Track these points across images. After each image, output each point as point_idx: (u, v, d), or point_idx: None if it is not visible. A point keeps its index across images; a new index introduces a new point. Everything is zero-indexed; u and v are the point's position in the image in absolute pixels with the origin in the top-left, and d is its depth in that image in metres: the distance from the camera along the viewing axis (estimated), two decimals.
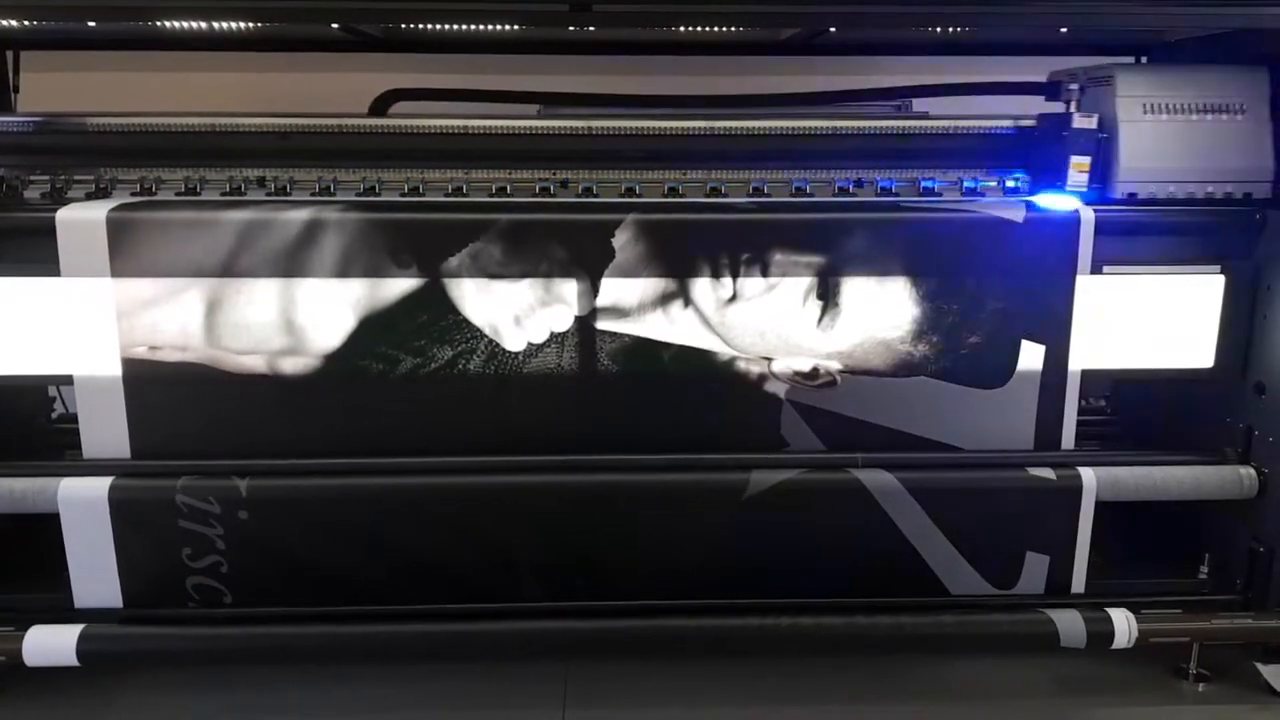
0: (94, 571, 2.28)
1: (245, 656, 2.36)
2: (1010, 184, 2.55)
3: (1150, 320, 2.41)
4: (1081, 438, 2.45)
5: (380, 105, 2.86)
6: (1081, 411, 2.43)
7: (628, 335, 2.31)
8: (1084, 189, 2.37)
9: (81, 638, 2.22)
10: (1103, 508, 2.39)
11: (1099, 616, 2.35)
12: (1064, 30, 2.43)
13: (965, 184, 2.55)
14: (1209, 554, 2.54)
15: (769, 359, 2.34)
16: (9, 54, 2.78)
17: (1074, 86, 2.44)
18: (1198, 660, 2.44)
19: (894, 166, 2.57)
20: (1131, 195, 2.37)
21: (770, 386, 2.35)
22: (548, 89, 2.84)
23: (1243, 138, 2.37)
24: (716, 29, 2.53)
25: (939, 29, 2.45)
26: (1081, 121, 2.36)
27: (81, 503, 2.24)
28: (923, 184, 2.55)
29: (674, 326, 2.31)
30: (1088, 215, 2.32)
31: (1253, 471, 2.43)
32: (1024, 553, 2.41)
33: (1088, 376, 2.40)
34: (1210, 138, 2.37)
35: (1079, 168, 2.36)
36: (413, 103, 2.84)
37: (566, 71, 2.98)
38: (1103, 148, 2.38)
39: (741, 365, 2.34)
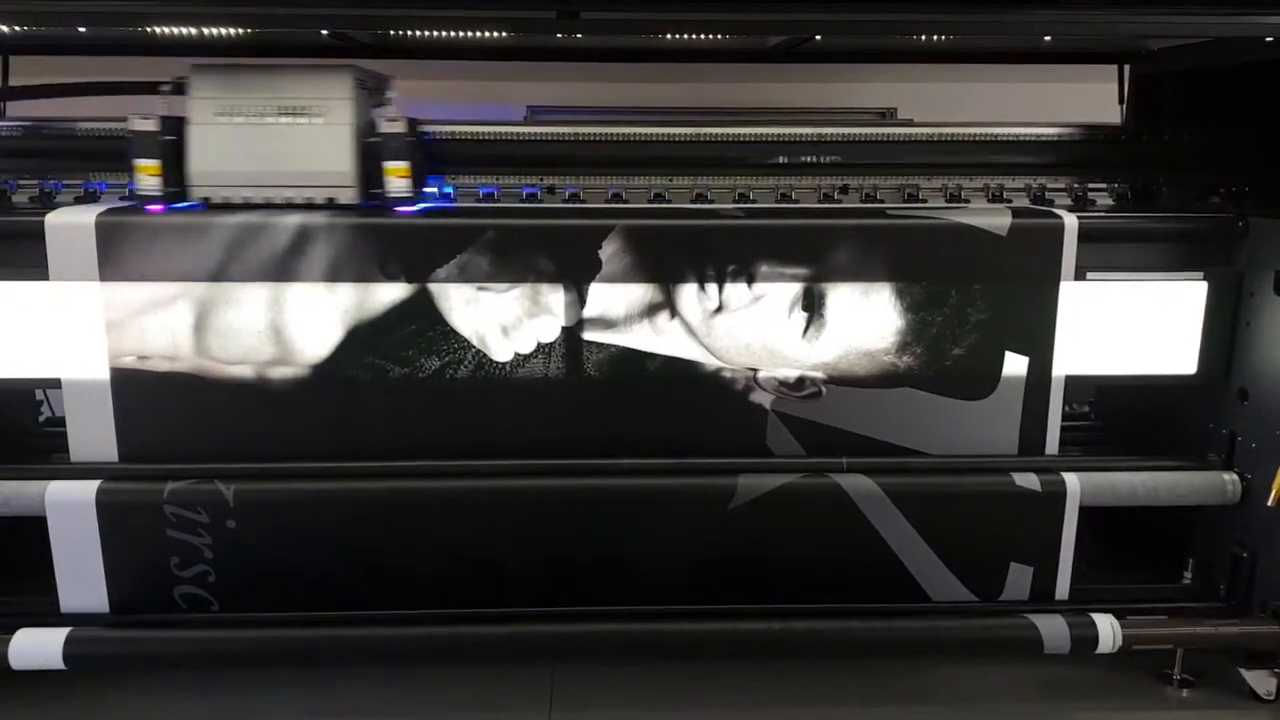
0: (81, 575, 2.28)
1: (231, 660, 2.36)
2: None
3: (1134, 326, 2.42)
4: (1065, 443, 2.47)
5: None
6: (1065, 418, 2.44)
7: (614, 346, 2.32)
8: (158, 192, 2.25)
9: (68, 641, 2.22)
10: (1086, 513, 2.40)
11: (1083, 622, 2.35)
12: (1048, 39, 2.46)
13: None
14: (1193, 559, 2.56)
15: (755, 370, 2.35)
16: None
17: (167, 86, 2.28)
18: (1181, 665, 2.45)
19: None
20: (206, 201, 2.28)
21: (756, 397, 2.36)
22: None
23: (322, 142, 2.27)
24: (703, 36, 2.55)
25: (923, 37, 2.47)
26: (140, 123, 2.24)
27: (69, 506, 2.24)
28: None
29: (660, 337, 2.32)
30: (1071, 222, 2.33)
31: (1235, 477, 2.44)
32: (1008, 563, 2.41)
33: (1071, 383, 2.41)
34: (289, 142, 2.27)
35: (146, 170, 2.23)
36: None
37: (555, 78, 3.00)
38: (173, 151, 2.25)
39: (727, 376, 2.35)
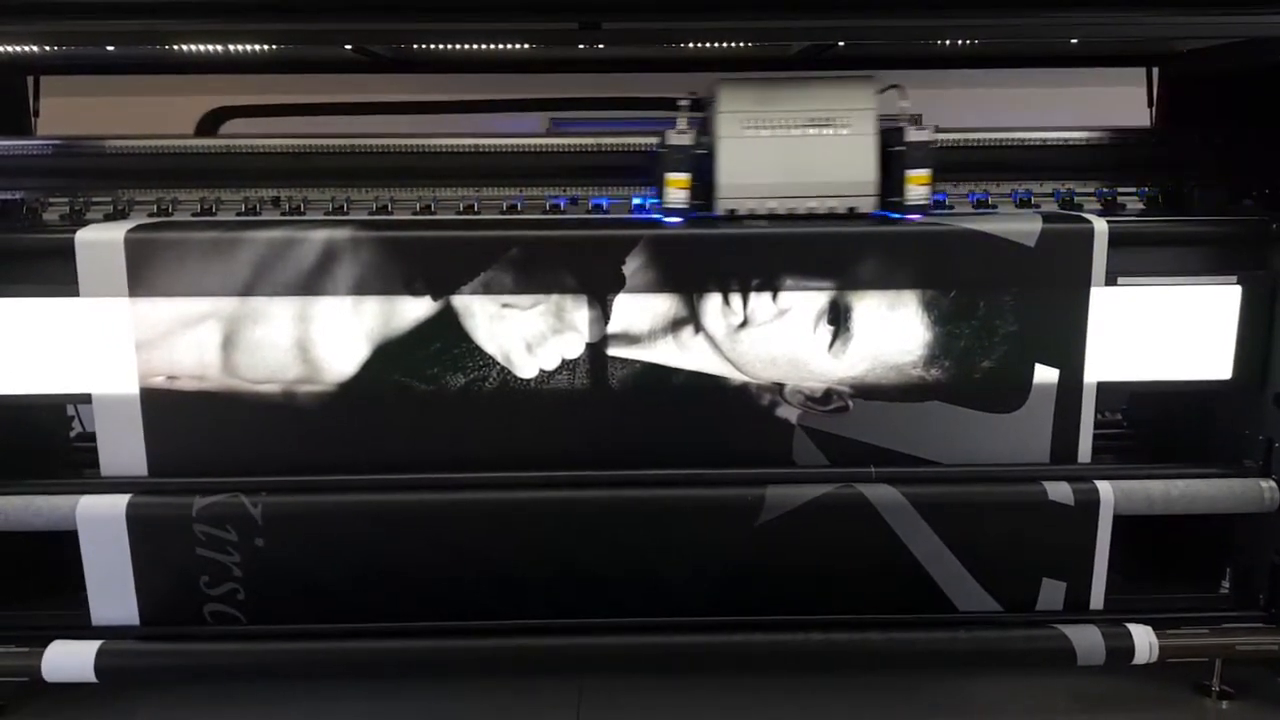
0: (112, 589, 2.30)
1: (261, 672, 2.38)
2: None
3: (1167, 332, 2.39)
4: (1098, 451, 2.43)
5: (208, 124, 2.87)
6: (1097, 425, 2.41)
7: (639, 362, 2.31)
8: (684, 205, 2.31)
9: (99, 654, 2.24)
10: (1120, 522, 2.36)
11: (1118, 633, 2.32)
12: (1074, 41, 2.43)
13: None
14: (1230, 568, 2.51)
15: (780, 384, 2.34)
16: (29, 79, 2.83)
17: (684, 102, 2.34)
18: (1220, 677, 2.40)
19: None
20: (731, 212, 2.32)
21: (782, 412, 2.35)
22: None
23: (846, 152, 2.32)
24: (725, 45, 2.54)
25: (948, 42, 2.45)
26: (676, 138, 2.30)
27: (99, 520, 2.26)
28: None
29: (685, 352, 2.31)
30: (1101, 227, 2.30)
31: (1273, 484, 2.39)
32: (1041, 573, 2.38)
33: (1104, 390, 2.37)
34: (814, 153, 2.31)
35: (676, 184, 2.29)
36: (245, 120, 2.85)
37: (577, 89, 3.01)
38: (703, 164, 2.31)
39: (753, 391, 2.33)
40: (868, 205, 2.33)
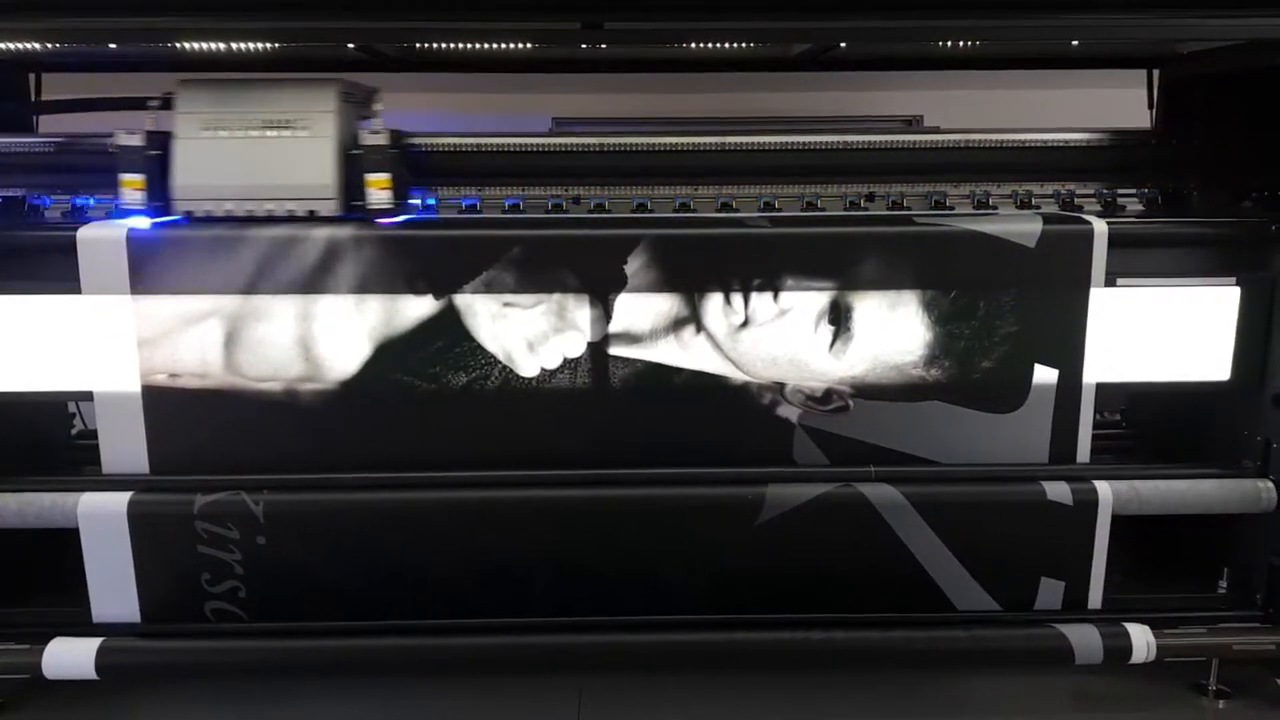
0: (113, 586, 2.30)
1: (262, 670, 2.38)
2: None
3: (1166, 333, 2.40)
4: (1096, 452, 2.43)
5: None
6: (1096, 426, 2.42)
7: (640, 361, 2.32)
8: (141, 206, 2.28)
9: (100, 651, 2.24)
10: (1118, 522, 2.36)
11: (1116, 632, 2.33)
12: (1075, 43, 2.44)
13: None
14: (1228, 569, 2.52)
15: (781, 384, 2.34)
16: (31, 76, 2.83)
17: (154, 102, 2.33)
18: (1217, 676, 2.41)
19: None
20: (189, 214, 2.29)
21: (783, 411, 2.35)
22: None
23: (305, 155, 2.28)
24: (727, 45, 2.54)
25: (949, 43, 2.46)
26: (125, 139, 2.28)
27: (101, 517, 2.27)
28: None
29: (686, 352, 2.32)
30: (1101, 228, 2.31)
31: (1270, 485, 2.40)
32: (1039, 572, 2.39)
33: (1103, 390, 2.38)
34: (272, 155, 2.28)
35: (131, 185, 2.27)
36: None
37: (580, 90, 3.00)
38: (159, 165, 2.28)
39: (753, 390, 2.34)
40: (329, 208, 2.29)
